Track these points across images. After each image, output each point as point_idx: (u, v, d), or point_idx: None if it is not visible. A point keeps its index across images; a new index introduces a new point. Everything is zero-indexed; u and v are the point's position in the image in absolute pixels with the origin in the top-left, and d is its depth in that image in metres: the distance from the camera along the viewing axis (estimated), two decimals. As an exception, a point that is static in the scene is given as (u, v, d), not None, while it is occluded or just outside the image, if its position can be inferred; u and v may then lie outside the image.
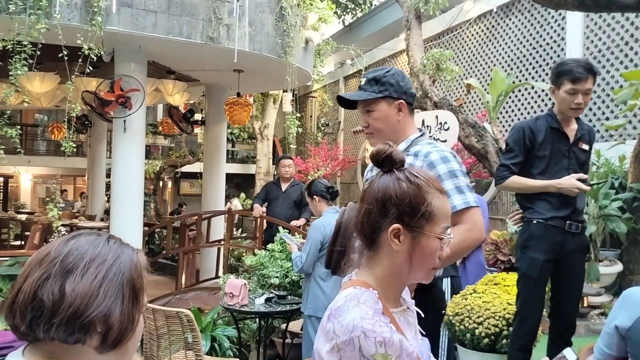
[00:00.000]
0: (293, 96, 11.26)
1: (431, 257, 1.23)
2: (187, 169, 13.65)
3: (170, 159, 13.56)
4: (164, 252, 7.31)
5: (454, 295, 3.84)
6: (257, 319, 4.34)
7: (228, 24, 5.41)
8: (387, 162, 1.26)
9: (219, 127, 7.92)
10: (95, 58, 4.80)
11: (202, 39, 5.34)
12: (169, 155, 15.07)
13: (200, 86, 7.89)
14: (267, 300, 4.14)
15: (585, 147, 2.95)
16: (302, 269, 3.69)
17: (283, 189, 6.32)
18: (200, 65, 6.34)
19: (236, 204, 11.81)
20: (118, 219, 5.61)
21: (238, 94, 6.97)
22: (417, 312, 1.39)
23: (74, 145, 5.24)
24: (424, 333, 1.41)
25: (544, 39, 7.36)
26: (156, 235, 9.51)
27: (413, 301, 1.39)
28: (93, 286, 0.89)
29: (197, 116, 9.23)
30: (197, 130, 11.32)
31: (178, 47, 5.52)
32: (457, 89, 8.97)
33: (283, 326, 4.48)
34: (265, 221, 6.35)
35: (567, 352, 1.25)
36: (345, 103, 2.20)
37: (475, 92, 8.06)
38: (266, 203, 6.37)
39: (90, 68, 4.93)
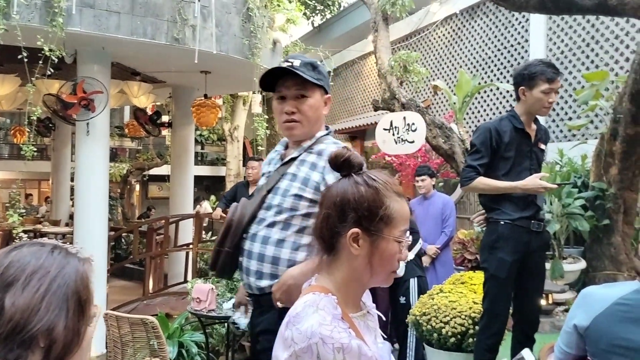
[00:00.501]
0: (262, 97, 11.21)
1: (390, 260, 1.23)
2: (155, 171, 13.46)
3: (137, 162, 13.34)
4: (131, 257, 7.17)
5: (421, 295, 3.87)
6: (225, 324, 4.29)
7: (193, 25, 5.34)
8: (345, 166, 1.26)
9: (186, 129, 7.82)
10: (56, 60, 4.68)
11: (167, 40, 5.26)
12: (136, 157, 14.83)
13: (166, 88, 7.78)
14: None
15: (543, 147, 3.02)
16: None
17: (250, 192, 6.28)
18: (166, 67, 6.25)
19: (206, 206, 11.67)
20: (82, 223, 5.48)
21: (205, 96, 6.89)
22: (378, 315, 1.39)
23: (35, 149, 5.08)
24: (385, 337, 1.40)
25: (508, 41, 7.49)
26: (123, 240, 9.34)
27: (374, 305, 1.39)
28: (35, 299, 0.85)
29: (165, 118, 9.11)
30: (165, 132, 11.16)
31: (142, 48, 5.42)
32: (424, 90, 9.05)
33: (252, 330, 4.44)
34: None
35: (526, 352, 1.26)
36: (266, 82, 1.99)
37: (442, 94, 8.16)
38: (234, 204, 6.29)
39: (52, 70, 4.80)
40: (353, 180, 1.23)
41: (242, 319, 2.24)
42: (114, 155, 15.92)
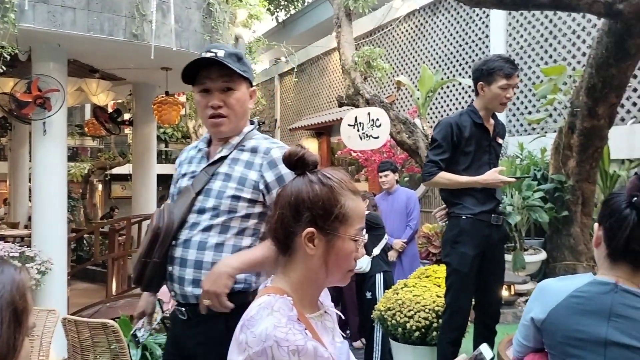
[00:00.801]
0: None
1: (347, 259, 1.21)
2: (118, 170, 13.17)
3: (99, 161, 13.04)
4: (93, 258, 7.00)
5: (386, 290, 3.89)
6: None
7: (152, 21, 5.23)
8: (299, 165, 1.23)
9: (148, 127, 7.65)
10: (9, 57, 4.52)
11: (126, 37, 5.13)
12: (98, 157, 14.49)
13: (127, 85, 7.60)
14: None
15: (501, 141, 3.07)
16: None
17: None
18: (125, 64, 6.10)
19: (171, 205, 11.50)
20: (40, 225, 5.31)
21: (167, 93, 6.76)
22: (337, 314, 1.37)
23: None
24: (345, 335, 1.39)
25: (469, 37, 7.59)
26: (85, 242, 9.11)
27: (332, 304, 1.37)
28: None
29: (126, 116, 8.91)
30: (127, 130, 10.93)
31: (100, 45, 5.27)
32: (388, 86, 9.10)
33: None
34: None
35: (484, 347, 1.27)
36: (187, 74, 1.82)
37: (405, 89, 8.21)
38: None
39: (4, 68, 4.63)
40: (307, 179, 1.21)
41: (143, 331, 1.98)
42: (75, 154, 15.52)
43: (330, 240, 1.19)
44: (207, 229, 1.77)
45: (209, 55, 1.75)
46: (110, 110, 7.83)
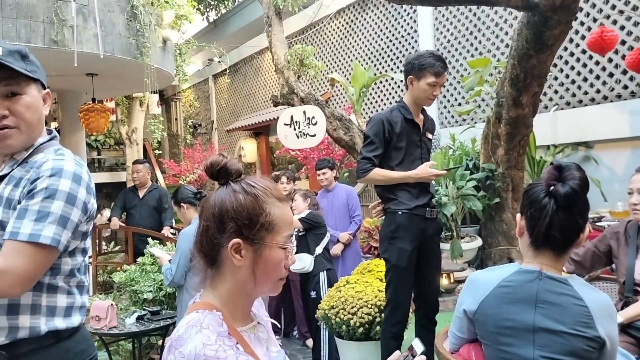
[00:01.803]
0: (161, 98, 10.80)
1: (276, 268, 1.19)
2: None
3: (27, 174, 12.37)
4: None
5: (329, 289, 3.90)
6: (131, 339, 4.08)
7: (72, 26, 5.01)
8: (222, 174, 1.20)
9: (76, 135, 7.35)
10: None
11: (45, 43, 4.90)
12: (25, 169, 13.75)
13: (51, 93, 7.27)
14: (139, 318, 3.91)
15: (430, 136, 3.13)
16: (172, 282, 3.52)
17: (140, 196, 6.08)
18: (46, 71, 5.80)
19: (107, 215, 11.11)
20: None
21: (94, 100, 6.51)
22: (273, 324, 1.35)
23: None
24: (281, 344, 1.37)
25: (399, 32, 7.72)
26: None
27: (266, 313, 1.35)
28: None
29: (53, 125, 8.52)
30: (55, 140, 10.45)
31: (17, 53, 5.00)
32: (322, 83, 9.14)
33: (161, 342, 4.26)
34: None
35: (415, 342, 1.28)
36: None
37: (339, 86, 8.27)
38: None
39: None
40: (231, 189, 1.18)
41: None
42: (0, 167, 14.68)
43: (257, 249, 1.16)
44: None
45: None
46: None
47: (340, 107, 8.59)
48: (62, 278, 1.51)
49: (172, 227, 6.00)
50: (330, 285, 4.22)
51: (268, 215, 1.17)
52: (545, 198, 1.47)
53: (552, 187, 1.46)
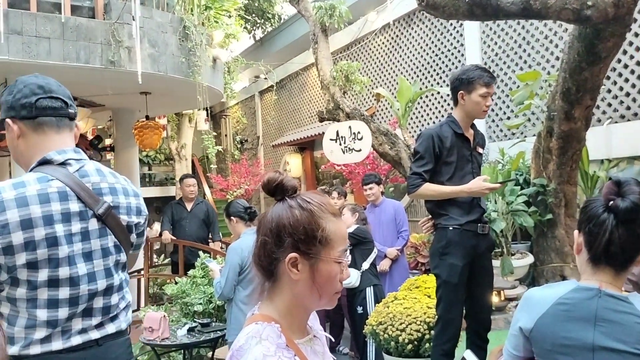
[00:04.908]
0: (208, 115, 11.08)
1: (332, 282, 1.21)
2: (102, 197, 13.01)
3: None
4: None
5: (377, 304, 3.89)
6: (181, 351, 4.17)
7: (129, 47, 5.23)
8: (279, 191, 1.24)
9: (130, 151, 7.62)
10: (-16, 91, 4.47)
11: (102, 63, 5.14)
12: (81, 184, 14.29)
13: (106, 111, 7.57)
14: (190, 330, 3.99)
15: (481, 150, 3.10)
16: (222, 295, 3.59)
17: (189, 209, 6.23)
18: (103, 90, 6.08)
19: (157, 228, 11.41)
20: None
21: (147, 117, 6.75)
22: (328, 337, 1.37)
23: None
24: (335, 358, 1.38)
25: (445, 46, 7.69)
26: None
27: (321, 327, 1.37)
28: None
29: (107, 141, 8.86)
30: (109, 156, 10.86)
31: (77, 73, 5.27)
32: (367, 98, 9.17)
33: (210, 354, 4.34)
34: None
35: (467, 354, 1.28)
36: None
37: (385, 101, 8.27)
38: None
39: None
40: (287, 205, 1.21)
41: None
42: (58, 182, 15.30)
43: (314, 264, 1.19)
44: None
45: None
46: (90, 137, 7.77)
47: (385, 122, 8.58)
48: None
49: (221, 242, 6.13)
50: (377, 301, 4.20)
51: (324, 231, 1.19)
52: (604, 213, 1.44)
53: (612, 202, 1.43)
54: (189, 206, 6.24)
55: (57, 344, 1.58)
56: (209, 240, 6.48)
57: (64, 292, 1.59)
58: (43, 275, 1.56)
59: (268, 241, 1.20)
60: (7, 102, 1.67)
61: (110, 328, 1.70)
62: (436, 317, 3.00)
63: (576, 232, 1.54)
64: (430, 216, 3.14)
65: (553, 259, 4.67)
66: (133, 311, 6.52)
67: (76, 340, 1.61)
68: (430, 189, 2.92)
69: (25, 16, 4.83)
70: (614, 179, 1.46)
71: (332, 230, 1.20)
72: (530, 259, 5.00)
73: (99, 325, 1.67)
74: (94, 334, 1.65)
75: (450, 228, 2.90)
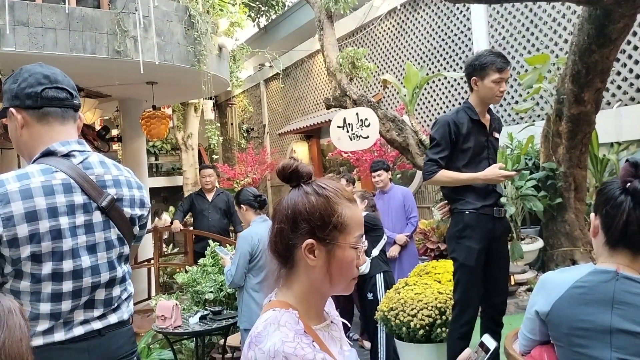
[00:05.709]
0: (214, 104, 11.05)
1: (349, 267, 1.21)
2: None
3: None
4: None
5: (388, 290, 3.89)
6: (193, 338, 4.21)
7: (134, 36, 5.21)
8: (294, 177, 1.23)
9: (137, 141, 7.63)
10: (-8, 82, 4.48)
11: (108, 54, 5.12)
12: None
13: (113, 101, 7.57)
14: (202, 318, 4.02)
15: (497, 135, 3.09)
16: (233, 283, 3.61)
17: (210, 199, 6.24)
18: (110, 80, 6.07)
19: (166, 218, 11.46)
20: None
21: (154, 107, 6.74)
22: (343, 323, 1.37)
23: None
24: (351, 344, 1.39)
25: (452, 31, 7.62)
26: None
27: (337, 313, 1.37)
28: None
29: (114, 132, 8.87)
30: (116, 146, 10.88)
31: (83, 64, 5.25)
32: (374, 85, 9.12)
33: (222, 341, 4.37)
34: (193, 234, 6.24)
35: (486, 338, 1.27)
36: None
37: (392, 87, 8.22)
38: (190, 215, 6.24)
39: (-13, 93, 4.60)
40: (303, 191, 1.21)
41: None
42: (65, 174, 15.38)
43: (330, 250, 1.19)
44: None
45: None
46: (97, 127, 7.78)
47: (392, 108, 8.55)
48: None
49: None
50: (387, 287, 4.20)
51: (340, 216, 1.19)
52: (621, 195, 1.43)
53: (629, 184, 1.42)
54: (209, 197, 6.25)
55: (59, 335, 1.59)
56: (230, 230, 6.50)
57: (67, 285, 1.59)
58: (47, 268, 1.56)
59: (284, 228, 1.20)
60: (12, 91, 1.64)
61: (113, 318, 1.71)
62: (453, 301, 3.01)
63: (592, 215, 1.53)
64: (446, 201, 3.14)
65: (563, 243, 4.66)
66: (144, 300, 6.63)
67: (78, 330, 1.62)
68: (446, 175, 2.93)
69: (31, 7, 4.81)
70: (631, 161, 1.44)
71: (348, 215, 1.20)
72: (540, 243, 4.99)
73: (101, 317, 1.68)
74: (96, 325, 1.66)
75: (467, 212, 2.91)
